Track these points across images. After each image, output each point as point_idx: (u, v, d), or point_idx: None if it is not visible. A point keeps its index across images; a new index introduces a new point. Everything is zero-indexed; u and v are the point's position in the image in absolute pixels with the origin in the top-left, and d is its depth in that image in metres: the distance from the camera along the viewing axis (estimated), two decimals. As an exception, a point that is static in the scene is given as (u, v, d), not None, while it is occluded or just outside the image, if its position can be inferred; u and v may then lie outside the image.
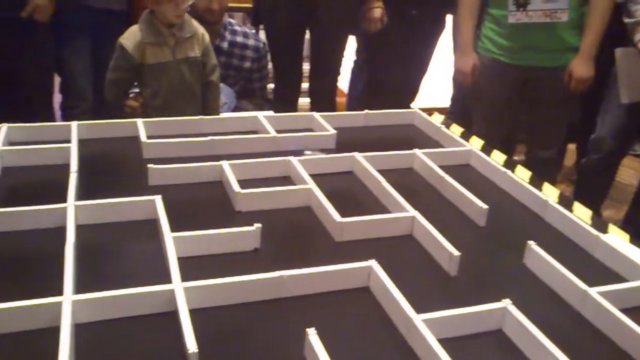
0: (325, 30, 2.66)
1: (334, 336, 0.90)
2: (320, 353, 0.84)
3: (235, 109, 2.41)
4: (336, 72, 2.86)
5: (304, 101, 3.07)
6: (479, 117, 2.52)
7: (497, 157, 1.64)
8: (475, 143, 1.73)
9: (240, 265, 1.07)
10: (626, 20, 2.29)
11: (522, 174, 1.53)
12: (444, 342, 0.88)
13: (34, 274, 1.05)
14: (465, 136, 1.76)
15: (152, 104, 2.00)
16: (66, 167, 1.35)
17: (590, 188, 2.71)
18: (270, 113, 1.84)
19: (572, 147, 3.29)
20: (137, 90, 2.09)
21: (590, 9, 2.26)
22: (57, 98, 2.62)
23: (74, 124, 1.57)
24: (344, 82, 3.13)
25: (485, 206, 1.30)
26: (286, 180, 1.43)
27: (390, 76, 2.94)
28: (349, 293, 1.05)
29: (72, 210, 1.17)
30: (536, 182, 1.49)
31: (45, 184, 1.35)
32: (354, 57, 3.16)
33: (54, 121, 2.40)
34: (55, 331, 0.85)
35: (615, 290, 1.05)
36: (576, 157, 3.29)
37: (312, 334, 0.87)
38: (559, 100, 2.39)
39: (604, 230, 1.28)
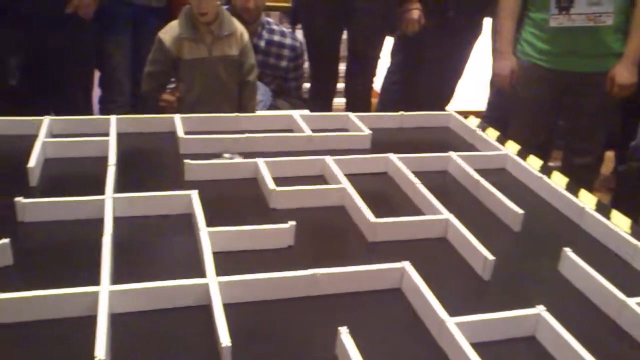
0: (362, 31, 2.66)
1: (365, 336, 0.90)
2: (352, 352, 0.84)
3: (270, 108, 2.42)
4: (372, 73, 2.86)
5: (339, 101, 3.07)
6: (516, 121, 2.49)
7: (533, 163, 1.62)
8: (512, 147, 1.71)
9: (273, 262, 1.08)
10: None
11: (559, 180, 1.51)
12: (475, 346, 0.88)
13: (73, 263, 1.07)
14: (501, 140, 1.74)
15: (186, 100, 2.02)
16: (105, 159, 1.37)
17: (629, 196, 2.66)
18: (306, 112, 1.85)
19: (610, 154, 3.24)
20: (173, 85, 2.11)
21: (636, 13, 2.21)
22: (96, 92, 2.67)
23: (113, 118, 1.60)
24: (378, 83, 3.12)
25: (520, 211, 1.29)
26: (320, 179, 1.44)
27: (426, 78, 2.93)
28: (381, 294, 1.05)
29: (110, 202, 1.19)
30: (573, 188, 1.47)
31: (84, 176, 1.38)
32: (389, 59, 3.16)
33: (94, 115, 2.44)
34: (92, 320, 0.87)
35: (654, 302, 1.03)
36: (614, 165, 3.24)
37: (344, 332, 0.87)
38: (599, 107, 2.35)
39: (643, 239, 1.26)
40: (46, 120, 1.54)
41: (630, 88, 2.26)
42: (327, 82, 2.85)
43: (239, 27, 2.02)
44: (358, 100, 2.76)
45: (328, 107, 2.83)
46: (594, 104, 2.34)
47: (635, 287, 1.09)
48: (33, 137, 1.44)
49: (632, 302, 1.01)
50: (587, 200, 1.42)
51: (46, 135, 1.48)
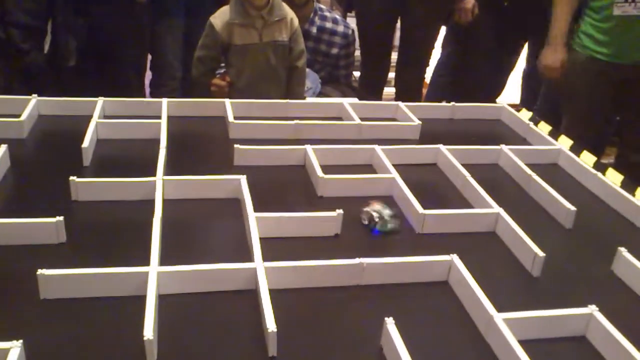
0: (416, 20, 2.63)
1: (411, 327, 0.89)
2: (397, 343, 0.83)
3: (319, 95, 2.41)
4: (425, 63, 2.83)
5: (389, 91, 3.04)
6: (571, 116, 2.43)
7: (587, 158, 1.58)
8: (564, 142, 1.67)
9: (320, 250, 1.08)
10: None
11: (613, 177, 1.47)
12: (523, 343, 0.86)
13: (123, 243, 1.09)
14: (554, 135, 1.70)
15: (236, 85, 2.03)
16: (156, 142, 1.39)
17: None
18: (355, 100, 1.83)
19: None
20: (223, 70, 2.12)
21: None
22: (148, 76, 2.70)
23: (164, 101, 1.62)
24: (428, 74, 3.08)
25: (573, 208, 1.26)
26: (369, 168, 1.43)
27: (477, 70, 2.88)
28: (428, 286, 1.04)
29: (160, 184, 1.20)
30: (629, 186, 1.42)
31: (135, 157, 1.40)
32: (441, 50, 3.11)
33: (145, 98, 2.48)
34: (140, 300, 0.89)
35: None
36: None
37: (390, 323, 0.87)
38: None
39: (701, 241, 1.21)
40: (100, 101, 1.57)
41: None
42: (378, 71, 2.82)
43: (289, 13, 2.02)
44: (409, 90, 2.73)
45: (378, 96, 2.81)
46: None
47: (693, 290, 1.05)
48: (87, 118, 1.47)
49: (689, 305, 0.97)
50: (643, 199, 1.37)
51: (99, 116, 1.51)
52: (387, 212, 1.19)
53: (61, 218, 1.05)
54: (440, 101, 1.86)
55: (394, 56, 2.88)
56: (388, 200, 1.28)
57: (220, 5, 2.01)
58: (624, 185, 1.42)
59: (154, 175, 1.24)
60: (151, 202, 1.15)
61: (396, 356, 0.82)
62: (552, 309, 0.95)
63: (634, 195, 1.37)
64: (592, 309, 0.94)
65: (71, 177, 1.19)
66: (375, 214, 1.18)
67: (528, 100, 3.11)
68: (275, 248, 1.07)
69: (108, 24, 2.27)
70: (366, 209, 1.20)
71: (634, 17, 2.13)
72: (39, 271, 0.91)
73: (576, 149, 1.62)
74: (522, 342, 0.86)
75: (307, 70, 2.34)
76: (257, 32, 1.96)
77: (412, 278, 1.04)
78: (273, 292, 0.92)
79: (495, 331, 0.90)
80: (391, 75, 2.94)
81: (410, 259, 1.04)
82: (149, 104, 1.65)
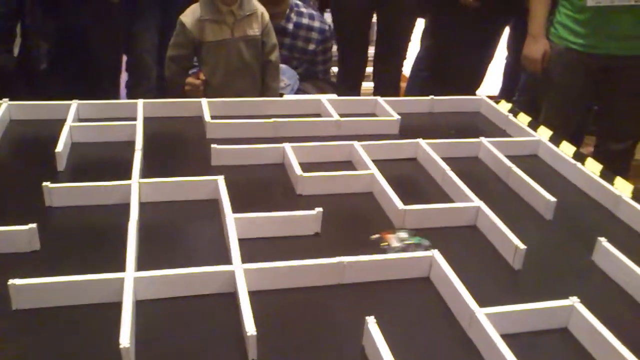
0: (392, 13, 2.62)
1: (393, 325, 0.88)
2: (379, 342, 0.82)
3: (298, 92, 2.40)
4: (402, 57, 2.82)
5: (368, 85, 3.04)
6: (549, 107, 2.43)
7: (566, 149, 1.58)
8: (544, 133, 1.67)
9: (300, 249, 1.07)
10: None
11: (593, 167, 1.47)
12: (506, 337, 0.86)
13: (99, 249, 1.07)
14: (533, 126, 1.70)
15: (210, 82, 2.01)
16: (132, 144, 1.37)
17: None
18: (334, 96, 1.82)
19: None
20: (195, 69, 2.10)
21: None
22: (124, 77, 2.68)
23: (140, 102, 1.60)
24: (407, 67, 3.08)
25: (553, 199, 1.25)
26: (348, 165, 1.42)
27: (456, 63, 2.88)
28: (409, 282, 1.03)
29: (136, 187, 1.18)
30: (608, 175, 1.42)
31: (111, 160, 1.38)
32: (419, 44, 3.11)
33: (120, 99, 2.45)
34: (116, 307, 0.87)
35: (692, 294, 0.99)
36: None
37: (371, 322, 0.86)
38: (636, 91, 2.28)
39: (681, 229, 1.22)
40: (74, 104, 1.55)
41: None
42: (356, 66, 2.81)
43: (259, 7, 2.01)
44: (387, 84, 2.72)
45: (356, 91, 2.80)
46: (632, 88, 2.27)
47: (673, 278, 1.05)
48: (61, 122, 1.45)
49: (670, 294, 0.97)
50: (623, 187, 1.37)
51: (73, 120, 1.48)
52: (403, 234, 1.12)
53: (34, 225, 1.03)
54: (419, 95, 1.85)
55: (372, 51, 2.87)
56: (368, 197, 1.28)
57: (191, 4, 1.99)
58: (603, 174, 1.43)
59: (130, 178, 1.22)
60: (127, 206, 1.13)
61: (378, 355, 0.81)
62: (534, 302, 0.94)
63: (612, 184, 1.37)
64: (574, 300, 0.94)
65: (44, 183, 1.16)
66: (400, 244, 1.10)
67: (508, 91, 3.12)
68: (254, 249, 1.06)
69: (80, 25, 2.23)
70: (389, 246, 1.10)
71: (608, 8, 2.14)
72: (10, 281, 0.89)
73: (555, 140, 1.62)
74: (504, 337, 0.86)
75: (285, 67, 2.32)
76: (229, 28, 1.95)
77: (393, 275, 1.03)
78: (252, 294, 0.91)
79: (477, 326, 0.89)
80: (369, 70, 2.93)
81: (391, 256, 1.03)
82: (125, 106, 1.62)
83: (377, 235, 1.13)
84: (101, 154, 1.41)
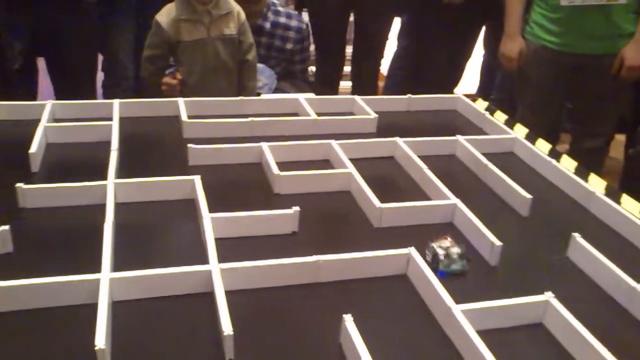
0: (369, 12, 2.63)
1: (370, 323, 0.88)
2: (356, 340, 0.82)
3: (275, 91, 2.40)
4: (379, 55, 2.83)
5: (346, 85, 3.04)
6: (525, 104, 2.46)
7: (542, 146, 1.60)
8: (520, 131, 1.68)
9: (277, 248, 1.07)
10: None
11: (568, 164, 1.49)
12: (482, 333, 0.86)
13: (74, 250, 1.06)
14: (510, 124, 1.72)
15: (187, 82, 2.00)
16: (108, 144, 1.36)
17: (638, 180, 2.63)
18: (311, 95, 1.82)
19: (621, 138, 3.19)
20: (172, 69, 2.08)
21: None
22: (100, 77, 2.65)
23: (116, 102, 1.58)
24: (385, 66, 3.09)
25: (529, 196, 1.27)
26: (326, 163, 1.42)
27: (434, 61, 2.89)
28: (387, 280, 1.04)
29: (112, 188, 1.17)
30: (582, 172, 1.44)
31: (87, 161, 1.37)
32: (397, 42, 3.12)
33: (96, 99, 2.42)
34: (93, 308, 0.86)
35: (665, 288, 1.01)
36: (625, 148, 3.19)
37: (348, 320, 0.86)
38: (609, 89, 2.31)
39: (654, 224, 1.23)
40: (48, 104, 1.53)
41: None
42: (334, 65, 2.82)
43: (236, 6, 2.00)
44: (364, 83, 2.73)
45: (334, 91, 2.80)
46: (604, 86, 2.30)
47: (646, 273, 1.07)
48: (35, 122, 1.43)
49: (642, 288, 0.99)
50: (596, 184, 1.39)
51: (48, 120, 1.47)
52: (455, 250, 1.06)
53: (7, 227, 1.01)
54: (397, 94, 1.86)
55: (350, 50, 2.87)
56: (345, 196, 1.28)
57: (167, 3, 1.97)
58: (578, 171, 1.44)
59: (106, 178, 1.21)
60: (103, 207, 1.12)
61: (355, 353, 0.82)
62: (510, 298, 0.95)
63: (587, 181, 1.38)
64: (549, 296, 0.95)
65: (18, 184, 1.15)
66: (440, 252, 1.05)
67: (485, 89, 3.14)
68: (231, 248, 1.05)
69: (55, 24, 2.20)
70: (433, 244, 1.07)
71: (581, 8, 2.17)
72: (-18, 284, 0.88)
73: (531, 137, 1.63)
74: (481, 333, 0.86)
75: (263, 66, 2.32)
76: (205, 27, 1.94)
77: (371, 273, 1.03)
78: (229, 294, 0.90)
79: (454, 323, 0.90)
80: (347, 69, 2.93)
81: (368, 254, 1.03)
82: (100, 106, 1.61)
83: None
84: (76, 155, 1.40)
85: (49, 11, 2.17)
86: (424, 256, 1.05)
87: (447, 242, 1.07)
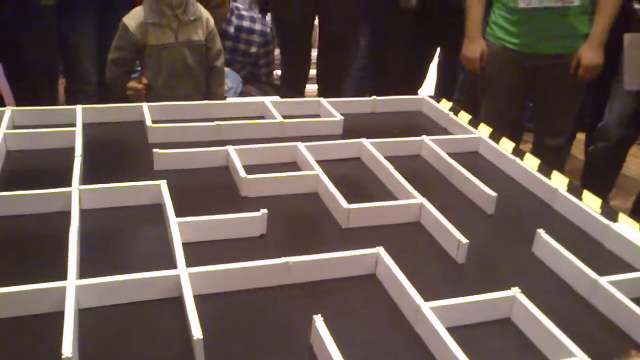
0: (333, 14, 2.64)
1: (340, 323, 0.89)
2: (327, 340, 0.83)
3: (241, 94, 2.39)
4: (345, 58, 2.84)
5: (312, 88, 3.05)
6: (487, 104, 2.50)
7: (506, 145, 1.62)
8: (484, 130, 1.71)
9: (245, 251, 1.06)
10: (636, 6, 2.26)
11: (531, 162, 1.52)
12: (452, 330, 0.87)
13: (38, 258, 1.04)
14: (474, 123, 1.74)
15: (153, 86, 1.99)
16: (71, 151, 1.34)
17: (597, 177, 2.69)
18: (277, 98, 1.82)
19: (581, 137, 3.26)
20: (137, 73, 2.07)
21: None
22: (62, 82, 2.61)
23: (79, 108, 1.56)
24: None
25: (493, 194, 1.28)
26: (293, 166, 1.42)
27: (396, 63, 2.91)
28: (356, 280, 1.04)
29: (76, 194, 1.16)
30: (545, 170, 1.47)
31: (49, 168, 1.34)
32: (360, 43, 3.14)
33: (59, 105, 2.39)
34: (59, 316, 0.85)
35: (625, 280, 1.03)
36: (585, 146, 3.26)
37: (318, 320, 0.86)
38: (569, 88, 2.36)
39: (614, 219, 1.26)
40: (7, 111, 1.50)
41: (596, 69, 2.27)
42: (299, 68, 2.82)
43: (204, 13, 1.99)
44: (331, 86, 2.74)
45: (300, 94, 2.81)
46: (562, 85, 2.36)
47: (606, 266, 1.09)
48: (-5, 129, 1.40)
49: (603, 280, 1.01)
50: (559, 181, 1.42)
51: (7, 127, 1.44)
52: None
53: (-32, 236, 0.99)
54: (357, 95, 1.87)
55: (315, 53, 2.88)
56: (313, 197, 1.28)
57: (133, 6, 1.96)
58: (540, 169, 1.47)
59: (70, 185, 1.19)
60: (67, 214, 1.10)
61: (326, 353, 0.82)
62: (478, 294, 0.96)
63: (549, 178, 1.41)
64: (515, 291, 0.97)
65: (-22, 193, 1.13)
66: None
67: (442, 91, 3.18)
68: (199, 252, 1.05)
69: (11, 27, 2.16)
70: None
71: (539, 10, 2.21)
72: (-55, 295, 0.86)
73: (495, 137, 1.66)
74: (450, 329, 0.87)
75: (228, 69, 2.31)
76: (173, 32, 1.93)
77: (340, 273, 1.04)
78: (198, 298, 0.90)
79: (423, 320, 0.91)
80: (313, 72, 2.94)
81: (336, 255, 1.04)
82: (63, 112, 1.58)
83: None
84: (38, 162, 1.37)
85: (7, 16, 2.13)
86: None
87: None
